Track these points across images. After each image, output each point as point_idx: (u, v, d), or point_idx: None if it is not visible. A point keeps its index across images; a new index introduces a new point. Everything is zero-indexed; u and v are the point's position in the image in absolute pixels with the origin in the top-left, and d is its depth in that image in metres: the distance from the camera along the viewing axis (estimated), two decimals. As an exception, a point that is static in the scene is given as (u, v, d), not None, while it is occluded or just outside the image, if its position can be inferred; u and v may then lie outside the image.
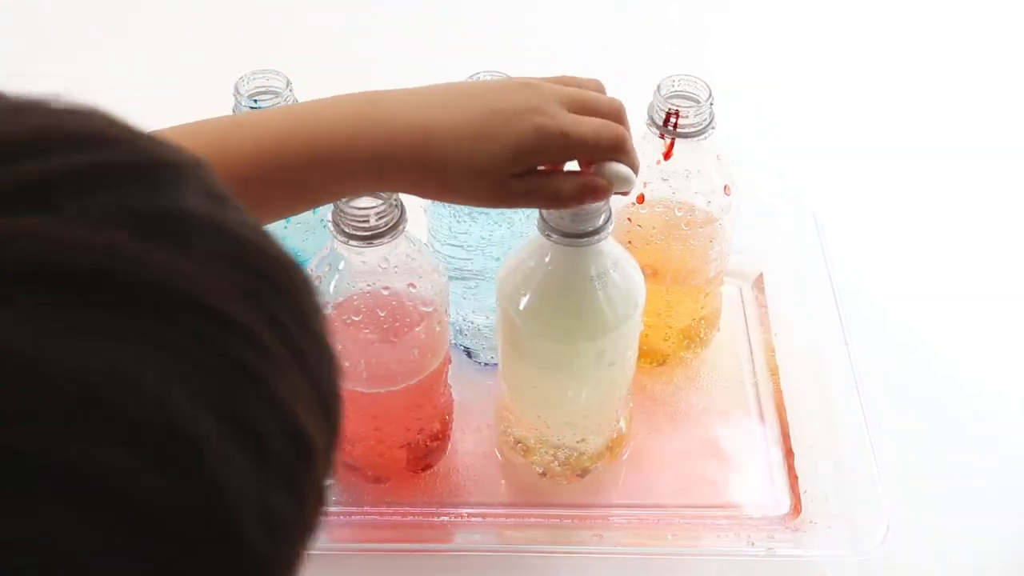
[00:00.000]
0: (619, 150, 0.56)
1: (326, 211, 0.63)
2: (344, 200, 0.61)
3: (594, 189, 0.56)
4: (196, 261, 0.26)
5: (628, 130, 0.57)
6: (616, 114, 0.57)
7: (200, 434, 0.25)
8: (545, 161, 0.56)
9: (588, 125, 0.55)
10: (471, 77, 0.70)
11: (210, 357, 0.26)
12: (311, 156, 0.53)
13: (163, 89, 1.01)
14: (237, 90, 0.71)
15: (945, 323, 0.88)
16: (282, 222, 0.74)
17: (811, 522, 0.73)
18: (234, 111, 0.71)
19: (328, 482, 0.30)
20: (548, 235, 0.61)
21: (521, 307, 0.65)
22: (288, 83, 0.71)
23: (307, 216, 0.74)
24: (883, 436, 0.74)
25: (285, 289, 0.29)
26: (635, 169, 0.57)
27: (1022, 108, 1.10)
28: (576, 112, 0.55)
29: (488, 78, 0.70)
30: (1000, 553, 0.74)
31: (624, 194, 0.59)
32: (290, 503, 0.27)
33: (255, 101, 0.70)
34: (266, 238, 0.29)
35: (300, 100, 0.72)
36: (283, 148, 0.53)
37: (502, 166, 0.53)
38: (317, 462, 0.28)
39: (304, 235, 0.75)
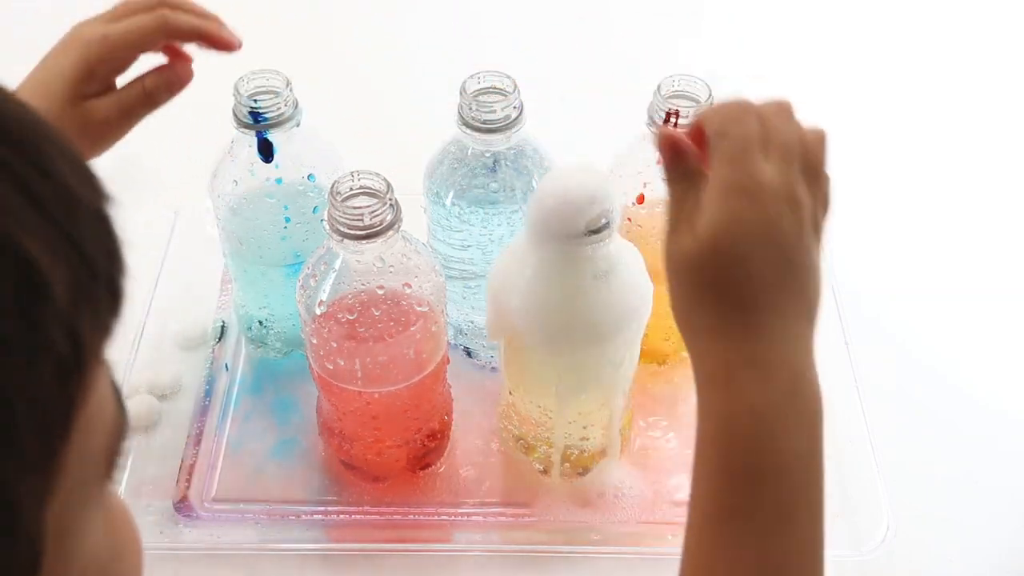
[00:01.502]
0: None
1: (327, 211, 0.63)
2: (339, 199, 0.62)
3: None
4: None
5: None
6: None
7: None
8: None
9: None
10: (470, 77, 0.71)
11: None
12: None
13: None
14: (237, 90, 0.71)
15: (945, 323, 0.87)
16: (282, 223, 0.74)
17: (811, 522, 0.73)
18: (234, 111, 0.71)
19: (82, 321, 0.30)
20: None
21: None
22: (288, 83, 0.71)
23: (307, 216, 0.74)
24: (883, 436, 0.74)
25: (17, 140, 0.29)
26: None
27: (1022, 107, 1.10)
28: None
29: (487, 77, 0.70)
30: (1000, 553, 0.74)
31: None
32: (20, 332, 0.27)
33: (255, 101, 0.70)
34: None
35: (300, 100, 0.72)
36: None
37: None
38: (58, 296, 0.28)
39: (304, 235, 0.75)
